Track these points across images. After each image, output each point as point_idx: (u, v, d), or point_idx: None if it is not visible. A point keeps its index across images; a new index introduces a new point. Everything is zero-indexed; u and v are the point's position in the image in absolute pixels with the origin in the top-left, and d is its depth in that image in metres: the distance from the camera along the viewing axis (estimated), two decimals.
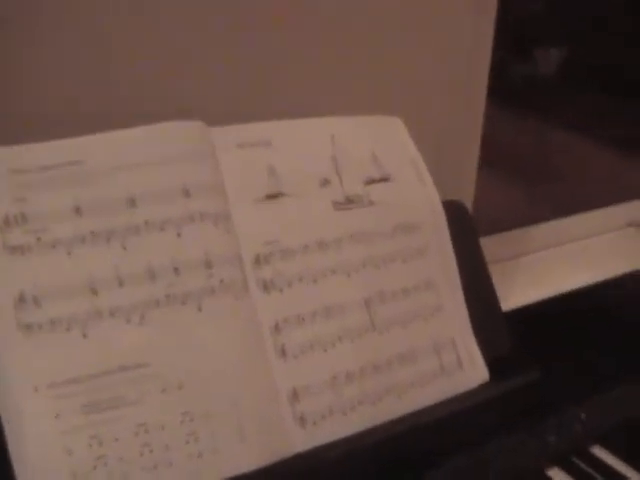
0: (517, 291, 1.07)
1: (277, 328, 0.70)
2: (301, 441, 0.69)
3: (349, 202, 0.78)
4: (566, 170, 1.68)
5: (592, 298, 1.07)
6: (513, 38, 1.60)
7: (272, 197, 0.74)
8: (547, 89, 1.77)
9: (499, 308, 0.87)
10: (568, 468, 0.85)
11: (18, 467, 0.58)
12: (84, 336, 0.62)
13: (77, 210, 0.64)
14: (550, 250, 1.32)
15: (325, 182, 0.77)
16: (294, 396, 0.70)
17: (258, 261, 0.71)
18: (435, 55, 1.00)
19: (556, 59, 1.82)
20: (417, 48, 0.98)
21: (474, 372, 0.82)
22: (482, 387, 0.82)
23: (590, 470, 0.85)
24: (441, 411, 0.77)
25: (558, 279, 1.15)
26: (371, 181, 0.81)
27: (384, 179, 0.82)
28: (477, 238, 0.88)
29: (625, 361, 0.94)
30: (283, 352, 0.70)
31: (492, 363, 0.84)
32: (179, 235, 0.67)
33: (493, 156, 1.48)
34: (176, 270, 0.66)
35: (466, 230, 0.88)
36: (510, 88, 1.64)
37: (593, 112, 1.77)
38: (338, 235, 0.76)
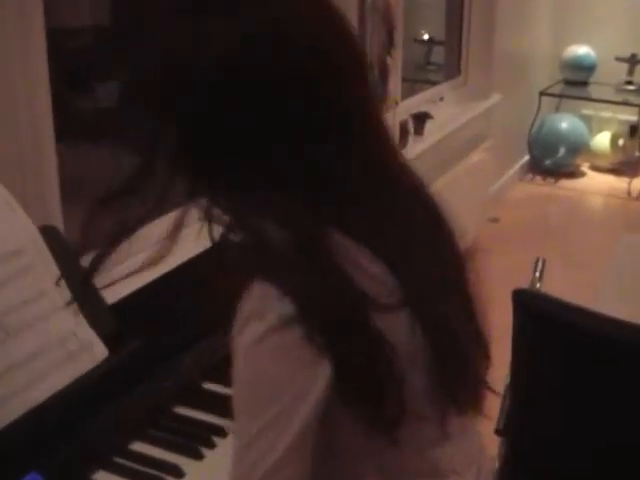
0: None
1: None
2: None
3: None
4: None
5: (177, 276, 1.32)
6: (71, 76, 1.77)
7: None
8: (112, 119, 1.97)
9: (104, 302, 1.10)
10: (189, 403, 1.11)
11: None
12: None
13: None
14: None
15: None
16: None
17: None
18: None
19: (116, 91, 2.01)
20: None
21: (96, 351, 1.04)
22: (105, 361, 1.05)
23: (205, 400, 1.12)
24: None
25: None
26: None
27: None
28: (74, 251, 1.10)
29: (207, 317, 1.21)
30: None
31: (108, 342, 1.07)
32: None
33: (77, 187, 1.67)
34: None
35: (62, 246, 1.09)
36: (77, 123, 1.79)
37: None
38: None
